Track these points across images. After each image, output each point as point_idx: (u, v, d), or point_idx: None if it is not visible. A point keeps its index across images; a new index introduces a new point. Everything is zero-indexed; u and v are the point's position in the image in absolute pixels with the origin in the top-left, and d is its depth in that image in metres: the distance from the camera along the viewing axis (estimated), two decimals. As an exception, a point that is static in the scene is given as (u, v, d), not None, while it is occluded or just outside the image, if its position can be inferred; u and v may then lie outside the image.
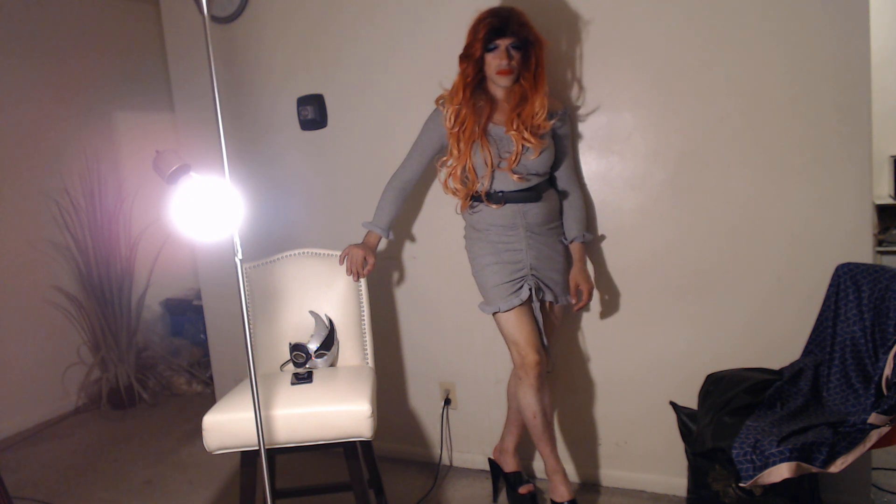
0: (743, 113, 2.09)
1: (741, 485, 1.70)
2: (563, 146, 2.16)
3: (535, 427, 2.11)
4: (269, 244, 2.52)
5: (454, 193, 2.14)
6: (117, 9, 4.05)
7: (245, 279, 1.90)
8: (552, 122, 2.06)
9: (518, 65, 2.00)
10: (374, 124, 2.62)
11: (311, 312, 2.21)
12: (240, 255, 1.64)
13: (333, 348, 2.21)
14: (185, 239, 3.18)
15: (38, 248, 3.59)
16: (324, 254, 2.31)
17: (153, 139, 3.79)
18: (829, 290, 1.97)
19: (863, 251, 2.01)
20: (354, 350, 2.27)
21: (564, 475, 2.15)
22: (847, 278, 1.93)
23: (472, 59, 2.02)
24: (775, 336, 2.13)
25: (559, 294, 2.17)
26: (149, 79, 4.15)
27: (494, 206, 2.08)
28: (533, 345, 2.07)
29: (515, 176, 2.04)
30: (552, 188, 2.19)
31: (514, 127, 2.02)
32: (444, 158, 2.14)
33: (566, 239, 2.22)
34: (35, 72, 3.60)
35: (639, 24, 2.17)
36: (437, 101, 2.15)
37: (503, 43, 1.97)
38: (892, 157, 3.94)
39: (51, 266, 3.65)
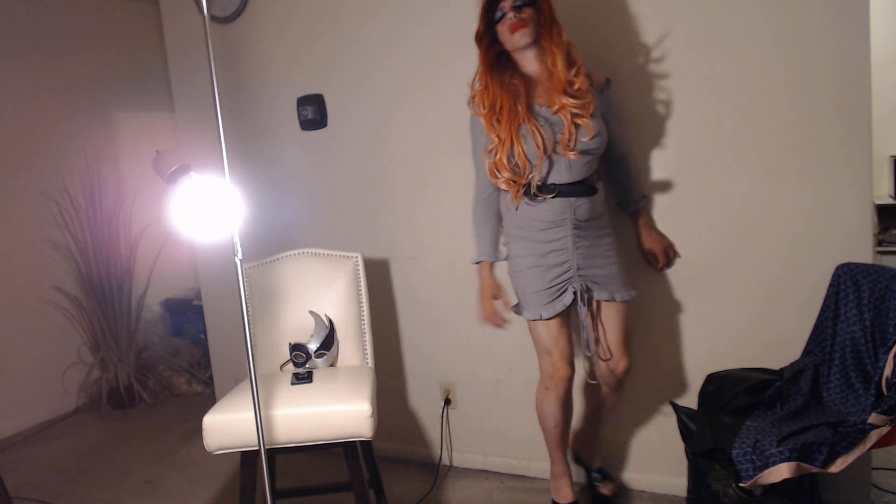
0: (743, 113, 2.09)
1: (741, 485, 1.70)
2: (610, 120, 2.07)
3: (553, 435, 2.12)
4: (269, 244, 2.52)
5: (506, 185, 1.96)
6: (117, 8, 4.05)
7: (245, 279, 1.90)
8: (599, 93, 1.98)
9: (533, 21, 1.90)
10: (373, 124, 2.62)
11: (311, 312, 2.21)
12: (240, 255, 1.64)
13: (333, 348, 2.21)
14: (185, 239, 3.18)
15: (38, 248, 3.59)
16: (324, 254, 2.31)
17: (153, 139, 3.79)
18: (829, 290, 1.97)
19: (863, 251, 2.01)
20: (354, 350, 2.27)
21: (570, 478, 2.17)
22: (847, 278, 1.93)
23: (484, 37, 1.95)
24: (775, 336, 2.13)
25: (616, 290, 2.02)
26: (149, 79, 4.15)
27: (547, 197, 1.95)
28: (567, 358, 2.02)
29: (572, 154, 1.89)
30: (600, 179, 2.08)
31: (559, 104, 1.89)
32: (489, 148, 1.98)
33: (628, 207, 2.16)
34: (35, 71, 3.60)
35: (639, 25, 2.17)
36: (468, 103, 2.05)
37: (506, 5, 1.91)
38: (892, 157, 3.93)
39: (51, 266, 3.65)
